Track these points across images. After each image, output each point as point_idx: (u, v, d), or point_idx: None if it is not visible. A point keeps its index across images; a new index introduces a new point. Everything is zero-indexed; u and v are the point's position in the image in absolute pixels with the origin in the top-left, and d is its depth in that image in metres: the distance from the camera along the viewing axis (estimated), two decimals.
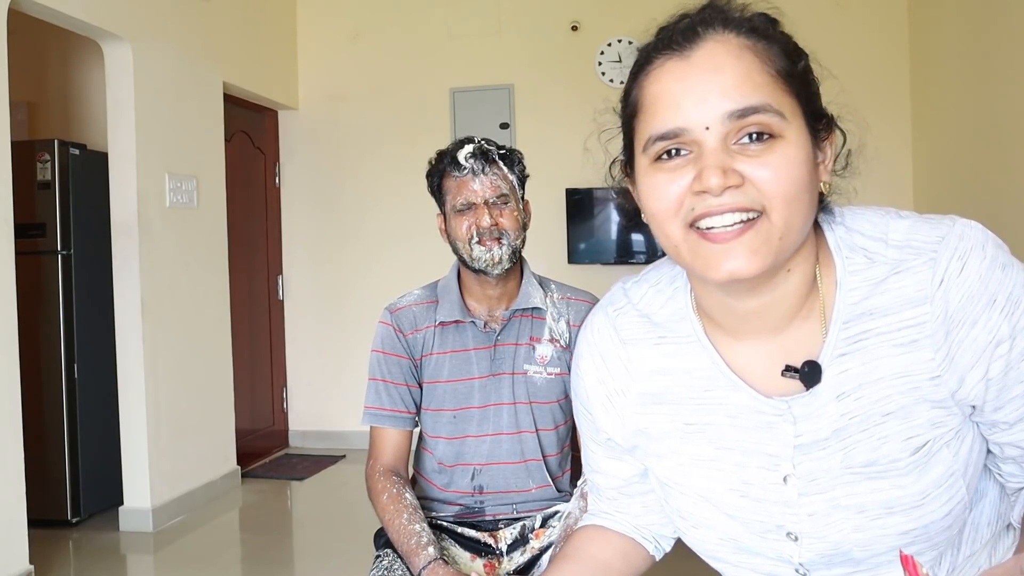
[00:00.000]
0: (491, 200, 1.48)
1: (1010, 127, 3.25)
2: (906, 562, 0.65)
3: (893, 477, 0.72)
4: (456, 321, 1.55)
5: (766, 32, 0.71)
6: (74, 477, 3.52)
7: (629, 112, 0.75)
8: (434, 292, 1.60)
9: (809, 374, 0.74)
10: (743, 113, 0.67)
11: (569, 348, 1.57)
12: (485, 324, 1.55)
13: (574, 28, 4.59)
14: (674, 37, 0.71)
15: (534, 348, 1.55)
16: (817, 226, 0.77)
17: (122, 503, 3.48)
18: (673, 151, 0.70)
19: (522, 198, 1.56)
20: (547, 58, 4.62)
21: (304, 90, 4.93)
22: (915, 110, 4.32)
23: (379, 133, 4.82)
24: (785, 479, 0.76)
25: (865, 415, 0.73)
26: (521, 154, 1.57)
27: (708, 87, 0.68)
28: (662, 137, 0.70)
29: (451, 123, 4.71)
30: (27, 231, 3.40)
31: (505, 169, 1.51)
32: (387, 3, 4.82)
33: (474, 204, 1.48)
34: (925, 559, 0.74)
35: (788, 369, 0.75)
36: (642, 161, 0.73)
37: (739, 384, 0.78)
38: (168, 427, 3.58)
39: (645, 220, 0.75)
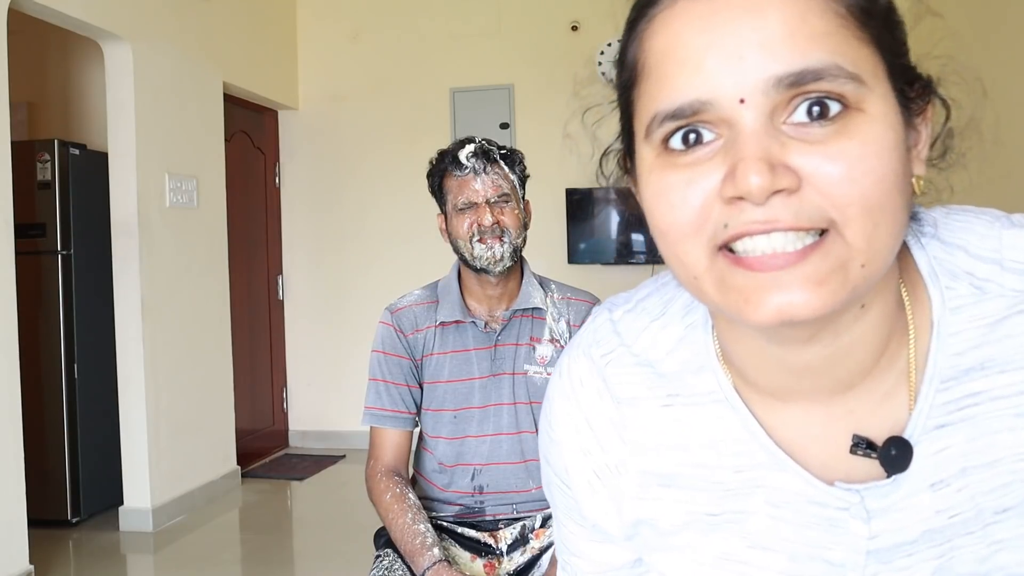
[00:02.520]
0: (492, 199, 1.49)
1: (1010, 127, 3.25)
2: None
3: None
4: (456, 321, 1.55)
5: None
6: (74, 477, 3.52)
7: (626, 79, 0.52)
8: (434, 292, 1.60)
9: (895, 457, 0.51)
10: (799, 79, 0.43)
11: None
12: (485, 324, 1.56)
13: (574, 28, 4.59)
14: None
15: (534, 348, 1.55)
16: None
17: (122, 503, 3.48)
18: (692, 135, 0.46)
19: (522, 198, 1.56)
20: (547, 58, 4.62)
21: (304, 90, 4.93)
22: None
23: (379, 133, 4.82)
24: None
25: (972, 512, 0.52)
26: (522, 154, 1.58)
27: (743, 38, 0.44)
28: (674, 115, 0.46)
29: (451, 123, 4.71)
30: (27, 231, 3.40)
31: (506, 169, 1.51)
32: (387, 3, 4.82)
33: (475, 203, 1.49)
34: None
35: (860, 443, 0.52)
36: (646, 151, 0.49)
37: (786, 463, 0.55)
38: (168, 427, 3.58)
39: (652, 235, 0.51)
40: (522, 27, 4.67)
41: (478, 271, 1.51)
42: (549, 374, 1.55)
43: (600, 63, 4.54)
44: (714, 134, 0.46)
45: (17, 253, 2.87)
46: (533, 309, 1.57)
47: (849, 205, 0.43)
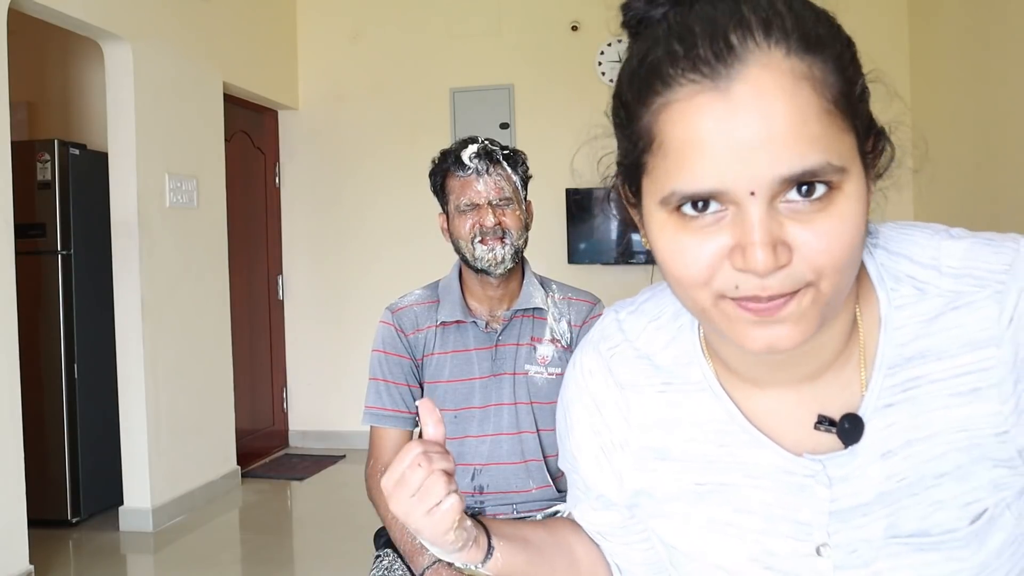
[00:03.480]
0: (494, 201, 1.49)
1: (1010, 127, 3.25)
2: None
3: (948, 549, 0.61)
4: (457, 321, 1.55)
5: (818, 35, 0.55)
6: (74, 477, 3.52)
7: (642, 144, 0.58)
8: (435, 292, 1.60)
9: (849, 430, 0.62)
10: (799, 179, 0.52)
11: (570, 348, 1.57)
12: (486, 324, 1.56)
13: (574, 28, 4.60)
14: (701, 50, 0.53)
15: (535, 348, 1.55)
16: None
17: (122, 503, 3.48)
18: (701, 203, 0.55)
19: (524, 198, 1.56)
20: (547, 58, 4.62)
21: (304, 90, 4.94)
22: (915, 110, 4.32)
23: (379, 133, 4.82)
24: (818, 550, 0.65)
25: (915, 477, 0.62)
26: (525, 155, 1.57)
27: (754, 139, 0.52)
28: (691, 196, 0.55)
29: (451, 123, 4.71)
30: (27, 231, 3.40)
31: (509, 170, 1.51)
32: (387, 3, 4.82)
33: (478, 204, 1.49)
34: None
35: (822, 421, 0.63)
36: (658, 211, 0.57)
37: (762, 440, 0.66)
38: (168, 427, 3.58)
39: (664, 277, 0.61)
40: (522, 27, 4.67)
41: (479, 272, 1.51)
42: (550, 374, 1.55)
43: (600, 63, 4.54)
44: (723, 207, 0.55)
45: (17, 253, 2.87)
46: (534, 309, 1.57)
47: (825, 267, 0.54)
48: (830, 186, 0.53)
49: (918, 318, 0.62)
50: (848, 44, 0.59)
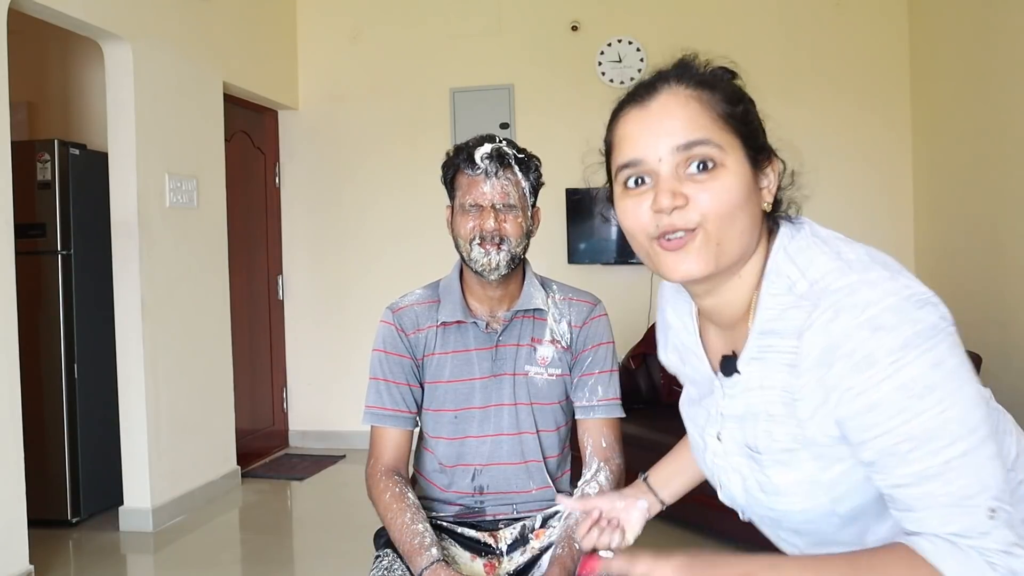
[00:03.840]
0: (498, 205, 1.48)
1: (1010, 127, 3.25)
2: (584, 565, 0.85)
3: (765, 466, 0.91)
4: (458, 321, 1.55)
5: (712, 83, 0.87)
6: (74, 477, 3.52)
7: (607, 151, 0.94)
8: (436, 292, 1.60)
9: (724, 366, 0.94)
10: (687, 146, 0.84)
11: (570, 349, 1.57)
12: (487, 325, 1.55)
13: (574, 28, 4.59)
14: (638, 91, 0.89)
15: (535, 349, 1.55)
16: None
17: (122, 503, 3.48)
18: (639, 179, 0.87)
19: (532, 205, 1.55)
20: (547, 58, 4.62)
21: (304, 90, 4.94)
22: (915, 110, 4.32)
23: (379, 133, 4.82)
24: (719, 435, 0.97)
25: (759, 411, 0.90)
26: (539, 161, 1.56)
27: (660, 128, 0.85)
28: (626, 166, 0.87)
29: (451, 123, 4.71)
30: (27, 231, 3.40)
31: (519, 175, 1.50)
32: (387, 3, 4.82)
33: (481, 206, 1.48)
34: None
35: (724, 357, 0.95)
36: (617, 188, 0.91)
37: (703, 357, 1.00)
38: (168, 427, 3.58)
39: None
40: (522, 27, 4.67)
41: (475, 273, 1.51)
42: (550, 375, 1.55)
43: (600, 63, 4.54)
44: (649, 179, 0.87)
45: (17, 253, 2.87)
46: (534, 310, 1.57)
47: (708, 213, 0.84)
48: (715, 163, 0.84)
49: (780, 306, 0.87)
50: (741, 95, 0.90)
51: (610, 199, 0.95)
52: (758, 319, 0.89)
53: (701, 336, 1.01)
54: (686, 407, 1.07)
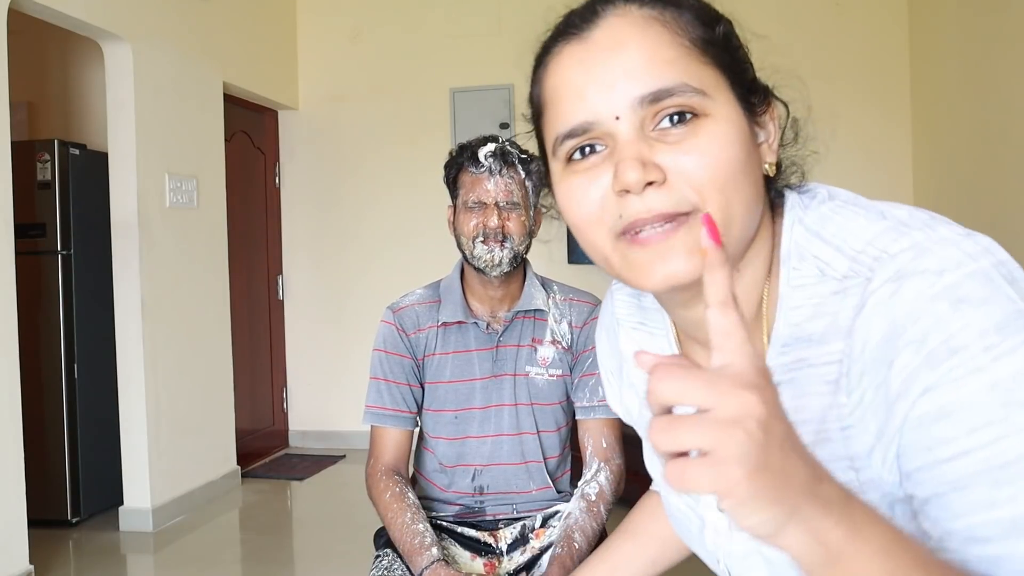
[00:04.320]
0: (501, 203, 1.48)
1: (1010, 127, 3.25)
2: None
3: None
4: (458, 322, 1.55)
5: None
6: (74, 477, 3.52)
7: (534, 114, 0.67)
8: (436, 292, 1.60)
9: None
10: (656, 97, 0.57)
11: (571, 350, 1.57)
12: (487, 325, 1.55)
13: None
14: (572, 20, 0.62)
15: (536, 350, 1.55)
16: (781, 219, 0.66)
17: (122, 503, 3.48)
18: (587, 148, 0.60)
19: (535, 205, 1.55)
20: None
21: (304, 90, 4.93)
22: (915, 110, 4.32)
23: (379, 133, 4.82)
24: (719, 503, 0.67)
25: None
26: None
27: (612, 70, 0.58)
28: (569, 135, 0.60)
29: (451, 123, 4.71)
30: (27, 231, 3.40)
31: (523, 174, 1.51)
32: (387, 3, 4.82)
33: (485, 204, 1.48)
34: None
35: None
36: (555, 165, 0.63)
37: None
38: (168, 427, 3.58)
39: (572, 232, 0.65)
40: (522, 27, 4.63)
41: (478, 270, 1.51)
42: (551, 376, 1.55)
43: None
44: (603, 146, 0.60)
45: (17, 253, 2.87)
46: (535, 311, 1.57)
47: (705, 186, 0.57)
48: (696, 112, 0.58)
49: (815, 299, 0.60)
50: (716, 13, 0.64)
51: (547, 181, 0.68)
52: (780, 323, 0.62)
53: None
54: (661, 469, 0.78)
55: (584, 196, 0.60)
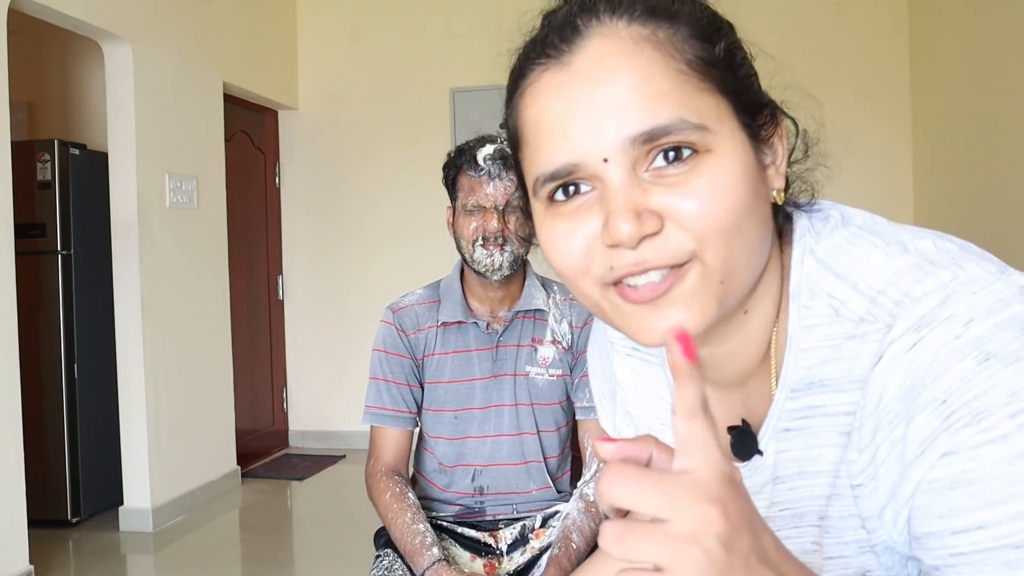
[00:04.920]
0: (501, 207, 1.48)
1: (1010, 127, 3.25)
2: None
3: None
4: (458, 322, 1.55)
5: (668, 7, 0.53)
6: (74, 477, 3.52)
7: (512, 143, 0.60)
8: (436, 292, 1.60)
9: (737, 445, 0.59)
10: (649, 136, 0.50)
11: (571, 350, 1.57)
12: (487, 325, 1.55)
13: None
14: (550, 37, 0.54)
15: (536, 350, 1.55)
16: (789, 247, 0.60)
17: (122, 503, 3.48)
18: (571, 187, 0.54)
19: None
20: None
21: (304, 90, 4.93)
22: (915, 110, 4.32)
23: (379, 133, 4.82)
24: None
25: (799, 510, 0.58)
26: None
27: (598, 105, 0.51)
28: (551, 177, 0.53)
29: (451, 123, 4.70)
30: (27, 231, 3.40)
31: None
32: (387, 3, 4.82)
33: (484, 207, 1.48)
34: None
35: (732, 430, 0.60)
36: (536, 204, 0.57)
37: None
38: (168, 427, 3.58)
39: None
40: (522, 27, 4.66)
41: (478, 273, 1.51)
42: (551, 376, 1.55)
43: None
44: (589, 186, 0.53)
45: (17, 253, 2.87)
46: (535, 311, 1.56)
47: (705, 234, 0.50)
48: (696, 148, 0.51)
49: (829, 342, 0.54)
50: (717, 23, 0.56)
51: (527, 213, 0.61)
52: (790, 366, 0.56)
53: None
54: None
55: (568, 246, 0.54)
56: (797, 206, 0.60)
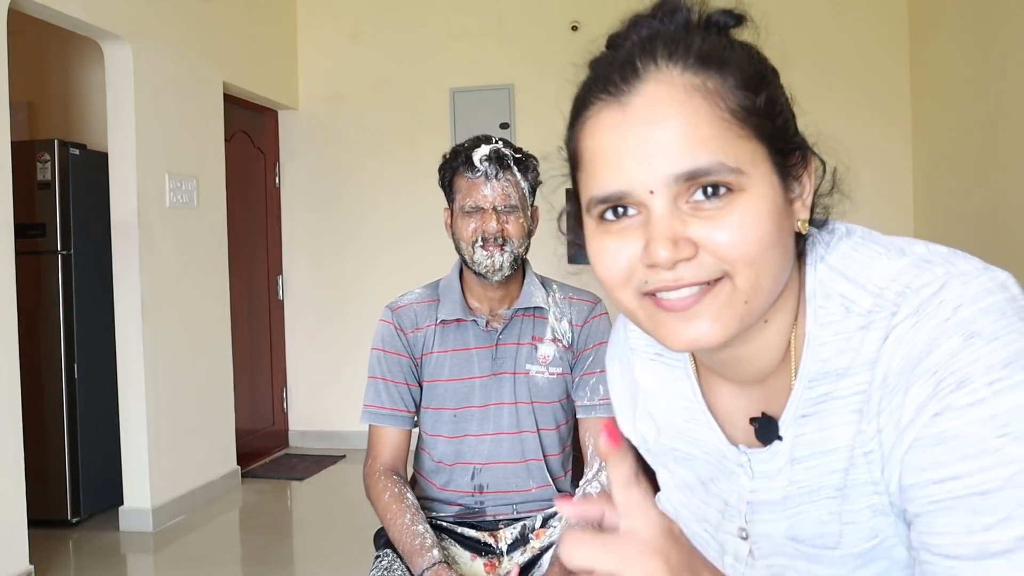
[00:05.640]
0: (499, 208, 1.48)
1: (1010, 127, 3.25)
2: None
3: (828, 563, 0.66)
4: (457, 320, 1.55)
5: (721, 56, 0.61)
6: (74, 477, 3.52)
7: (571, 163, 0.68)
8: (435, 291, 1.60)
9: (762, 429, 0.68)
10: (690, 176, 0.58)
11: (571, 348, 1.57)
12: (487, 323, 1.55)
13: (574, 28, 4.59)
14: (611, 75, 0.62)
15: (536, 348, 1.55)
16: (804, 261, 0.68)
17: (122, 503, 3.48)
18: (620, 209, 0.62)
19: (531, 204, 1.55)
20: (547, 58, 4.62)
21: (304, 90, 4.94)
22: (915, 110, 4.32)
23: (379, 133, 4.82)
24: (741, 532, 0.72)
25: (815, 486, 0.66)
26: (536, 160, 1.55)
27: (649, 144, 0.59)
28: (603, 200, 0.62)
29: (451, 123, 4.71)
30: (27, 231, 3.40)
31: (518, 176, 1.50)
32: (387, 3, 4.82)
33: (482, 209, 1.48)
34: None
35: (755, 420, 0.69)
36: (588, 220, 0.65)
37: (712, 424, 0.74)
38: (168, 427, 3.58)
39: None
40: (522, 27, 4.67)
41: (478, 274, 1.51)
42: (551, 374, 1.55)
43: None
44: (635, 211, 0.61)
45: (17, 253, 2.87)
46: (535, 308, 1.56)
47: (736, 261, 0.59)
48: (731, 188, 0.59)
49: (842, 336, 0.63)
50: (761, 69, 0.64)
51: (578, 220, 0.69)
52: (807, 360, 0.65)
53: (704, 397, 0.75)
54: (678, 496, 0.80)
55: (613, 260, 0.62)
56: (816, 226, 0.68)
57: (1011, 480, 0.52)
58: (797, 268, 0.67)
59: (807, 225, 0.65)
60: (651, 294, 0.61)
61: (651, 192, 0.59)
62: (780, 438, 0.67)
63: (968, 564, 0.53)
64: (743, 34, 0.65)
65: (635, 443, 0.87)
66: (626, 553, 0.49)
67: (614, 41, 0.67)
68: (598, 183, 0.62)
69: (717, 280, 0.60)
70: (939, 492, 0.55)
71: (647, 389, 0.82)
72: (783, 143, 0.63)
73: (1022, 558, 0.51)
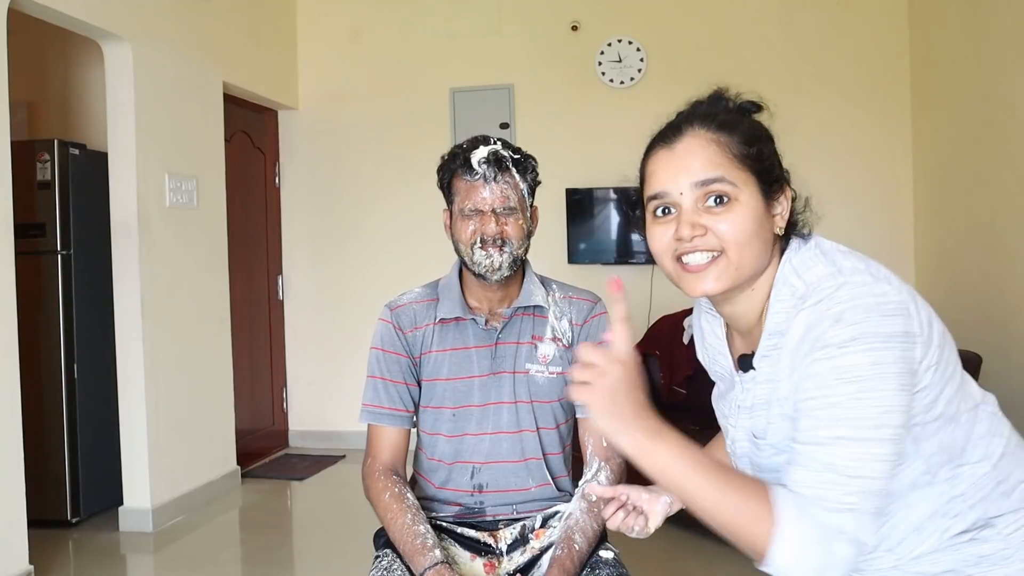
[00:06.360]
0: (498, 210, 1.47)
1: (1010, 127, 3.25)
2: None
3: (764, 453, 1.04)
4: (457, 318, 1.55)
5: (732, 125, 1.00)
6: (74, 477, 3.52)
7: (640, 181, 1.08)
8: (435, 290, 1.60)
9: (742, 362, 1.09)
10: (704, 183, 0.97)
11: (571, 347, 1.57)
12: (486, 322, 1.55)
13: (574, 28, 4.59)
14: (667, 133, 1.03)
15: (536, 347, 1.55)
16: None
17: (122, 503, 3.48)
18: (664, 210, 1.02)
19: (530, 205, 1.55)
20: (547, 58, 4.62)
21: (304, 90, 4.94)
22: (915, 110, 4.32)
23: (379, 133, 4.82)
24: (736, 425, 1.09)
25: (767, 402, 1.02)
26: (535, 161, 1.55)
27: (683, 167, 0.99)
28: (653, 197, 1.02)
29: (451, 123, 4.71)
30: (27, 231, 3.40)
31: (517, 177, 1.50)
32: (387, 3, 4.82)
33: (481, 211, 1.47)
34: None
35: (741, 356, 1.10)
36: (648, 216, 1.06)
37: (728, 356, 1.14)
38: (168, 427, 3.58)
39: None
40: (522, 27, 4.67)
41: (477, 276, 1.51)
42: (551, 373, 1.55)
43: (600, 63, 4.54)
44: (673, 211, 1.01)
45: (17, 253, 2.87)
46: (535, 307, 1.56)
47: (728, 242, 0.98)
48: (730, 198, 0.98)
49: (786, 310, 0.99)
50: (759, 134, 1.02)
51: (642, 223, 1.09)
52: (768, 322, 1.01)
53: (728, 340, 1.15)
54: (716, 401, 1.19)
55: (661, 239, 1.03)
56: (799, 235, 1.04)
57: (838, 404, 0.88)
58: (777, 260, 1.03)
59: (783, 230, 1.03)
60: (679, 259, 1.00)
61: (681, 194, 0.99)
62: (754, 368, 1.05)
63: (809, 447, 0.90)
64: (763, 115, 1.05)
65: (703, 364, 1.25)
66: (607, 357, 0.90)
67: (678, 114, 1.05)
68: (652, 187, 1.03)
69: (717, 256, 0.98)
70: (804, 405, 0.92)
71: (705, 331, 1.21)
72: (767, 176, 1.00)
73: (833, 447, 0.88)
